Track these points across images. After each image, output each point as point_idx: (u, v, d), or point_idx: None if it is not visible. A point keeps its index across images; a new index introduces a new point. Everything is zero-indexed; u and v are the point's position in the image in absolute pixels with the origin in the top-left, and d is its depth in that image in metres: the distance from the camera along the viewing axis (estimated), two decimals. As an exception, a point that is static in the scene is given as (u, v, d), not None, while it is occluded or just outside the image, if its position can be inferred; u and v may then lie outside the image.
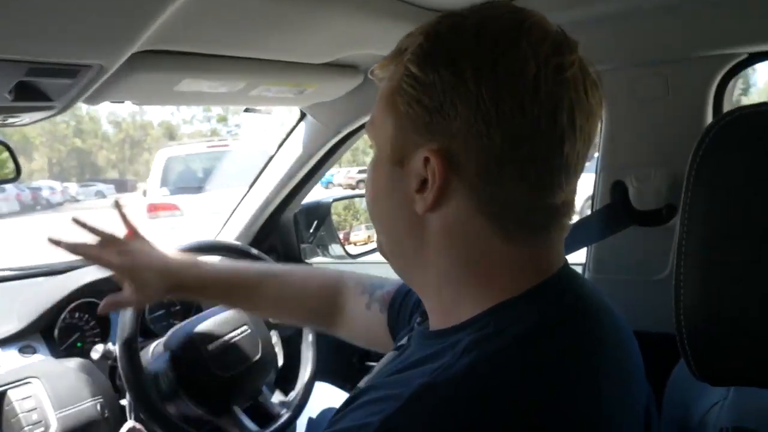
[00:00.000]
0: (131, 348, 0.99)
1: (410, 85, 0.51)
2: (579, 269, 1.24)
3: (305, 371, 1.25)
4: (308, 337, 1.26)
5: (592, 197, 1.16)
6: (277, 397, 1.21)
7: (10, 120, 0.95)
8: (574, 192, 0.54)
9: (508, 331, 0.49)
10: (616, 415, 0.51)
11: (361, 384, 0.59)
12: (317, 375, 1.30)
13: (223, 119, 45.61)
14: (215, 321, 1.22)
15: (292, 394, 1.25)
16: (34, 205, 22.69)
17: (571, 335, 0.51)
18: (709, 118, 1.06)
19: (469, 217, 0.51)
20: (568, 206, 0.54)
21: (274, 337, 1.63)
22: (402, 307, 0.83)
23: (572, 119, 0.49)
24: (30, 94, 0.81)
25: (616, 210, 1.12)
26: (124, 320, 1.00)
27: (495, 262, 0.52)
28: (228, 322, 1.22)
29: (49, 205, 23.74)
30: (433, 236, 0.54)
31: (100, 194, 28.82)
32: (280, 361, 1.54)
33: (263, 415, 1.20)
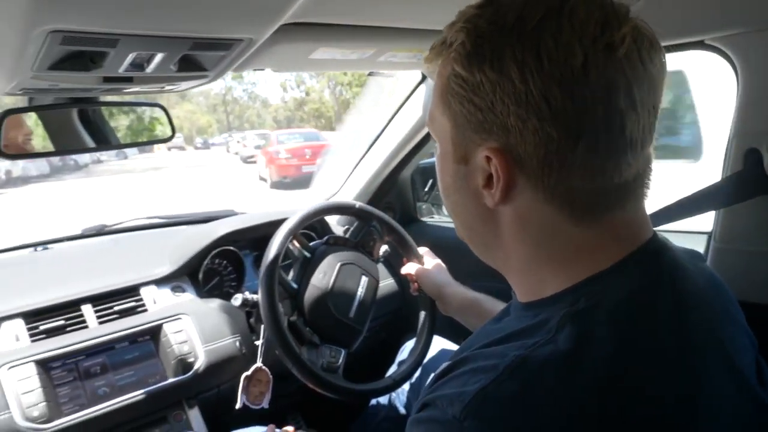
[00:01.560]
0: (272, 291, 1.11)
1: (459, 85, 0.52)
2: (704, 238, 1.20)
3: (425, 328, 1.32)
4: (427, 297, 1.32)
5: (723, 163, 1.11)
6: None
7: (168, 87, 1.07)
8: (647, 161, 0.53)
9: (601, 305, 0.49)
10: (725, 386, 0.51)
11: (459, 349, 0.61)
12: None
13: (238, 76, 42.91)
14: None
15: (411, 343, 1.33)
16: (62, 166, 22.63)
17: (666, 305, 0.51)
18: None
19: (538, 207, 0.52)
20: (641, 178, 0.53)
21: (394, 288, 1.72)
22: None
23: (630, 96, 0.47)
24: (190, 66, 0.90)
25: (747, 178, 1.07)
26: (266, 264, 1.12)
27: (572, 245, 0.52)
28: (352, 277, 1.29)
29: (77, 167, 23.40)
30: (506, 226, 0.55)
31: (122, 155, 28.31)
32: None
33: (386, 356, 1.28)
